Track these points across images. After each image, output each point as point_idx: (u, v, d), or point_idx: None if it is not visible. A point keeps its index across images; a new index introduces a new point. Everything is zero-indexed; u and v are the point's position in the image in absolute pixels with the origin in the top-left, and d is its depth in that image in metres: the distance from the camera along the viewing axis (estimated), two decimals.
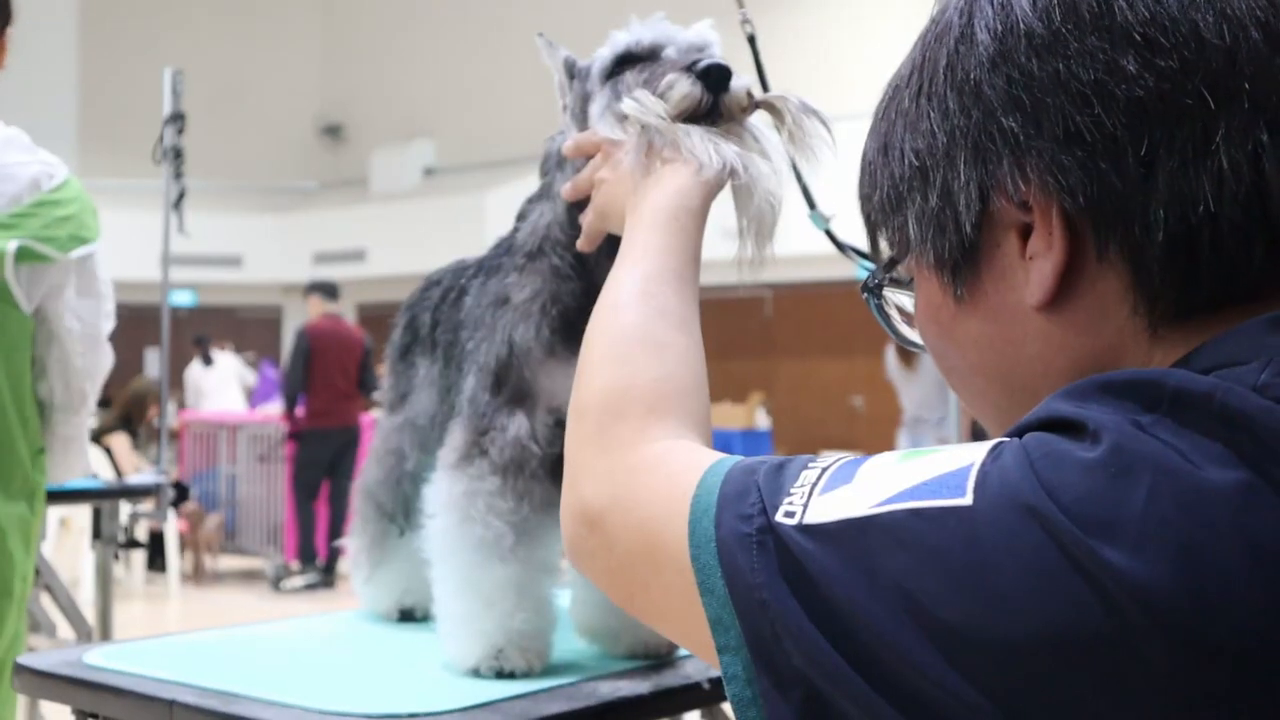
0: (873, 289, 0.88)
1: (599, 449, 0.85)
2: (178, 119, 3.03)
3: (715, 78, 1.17)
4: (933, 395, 6.33)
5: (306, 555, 8.15)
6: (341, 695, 1.27)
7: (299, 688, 1.30)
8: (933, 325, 0.83)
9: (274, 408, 8.84)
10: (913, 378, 6.38)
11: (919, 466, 0.67)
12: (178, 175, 3.04)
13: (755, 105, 1.21)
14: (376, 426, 1.70)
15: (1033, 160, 0.72)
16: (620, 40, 1.29)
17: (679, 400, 0.89)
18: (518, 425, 1.34)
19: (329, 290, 8.34)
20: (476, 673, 1.35)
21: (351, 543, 1.71)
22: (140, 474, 2.72)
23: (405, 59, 17.88)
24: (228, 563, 8.71)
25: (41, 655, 1.46)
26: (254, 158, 17.68)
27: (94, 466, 2.42)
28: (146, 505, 2.93)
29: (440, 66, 17.48)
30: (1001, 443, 0.66)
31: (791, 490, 0.69)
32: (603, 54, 1.31)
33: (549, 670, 1.38)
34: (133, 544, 3.07)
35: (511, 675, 1.35)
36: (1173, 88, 0.69)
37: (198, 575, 8.19)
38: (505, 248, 1.43)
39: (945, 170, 0.76)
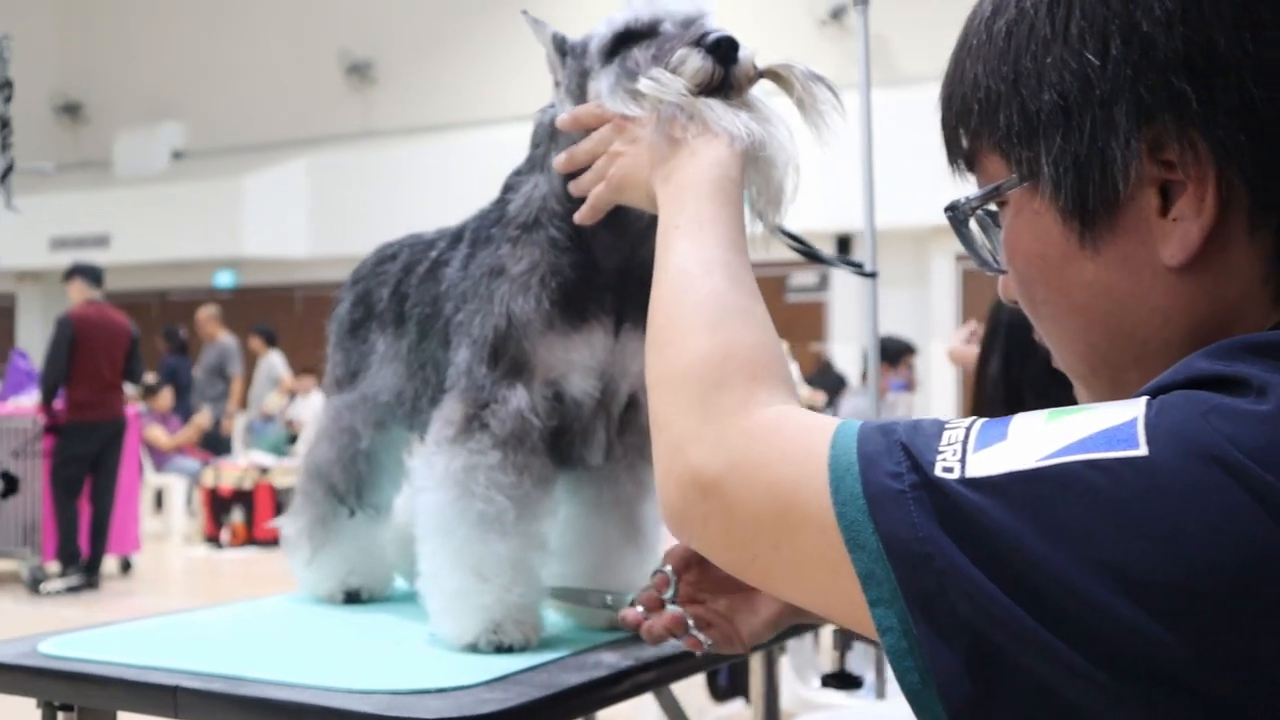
0: (962, 213, 0.88)
1: (704, 416, 0.85)
2: (5, 86, 2.85)
3: (725, 50, 1.18)
4: None
5: (68, 556, 7.69)
6: (349, 674, 1.24)
7: (299, 668, 1.26)
8: (1035, 260, 0.84)
9: (28, 400, 8.31)
10: None
11: (1076, 423, 0.70)
12: (5, 147, 2.86)
13: (759, 75, 1.22)
14: (324, 404, 1.65)
15: (1200, 127, 0.75)
16: (619, 18, 1.29)
17: (776, 367, 0.90)
18: (518, 398, 1.34)
19: (93, 275, 7.88)
20: (474, 648, 1.34)
21: (290, 525, 1.66)
22: None
23: (151, 35, 17.08)
24: None
25: None
26: None
27: None
28: None
29: (189, 44, 16.76)
30: (1153, 400, 0.70)
31: (941, 448, 0.72)
32: (600, 31, 1.31)
33: (542, 644, 1.38)
34: None
35: (510, 649, 1.34)
36: None
37: None
38: (494, 219, 1.41)
39: (1097, 116, 0.77)
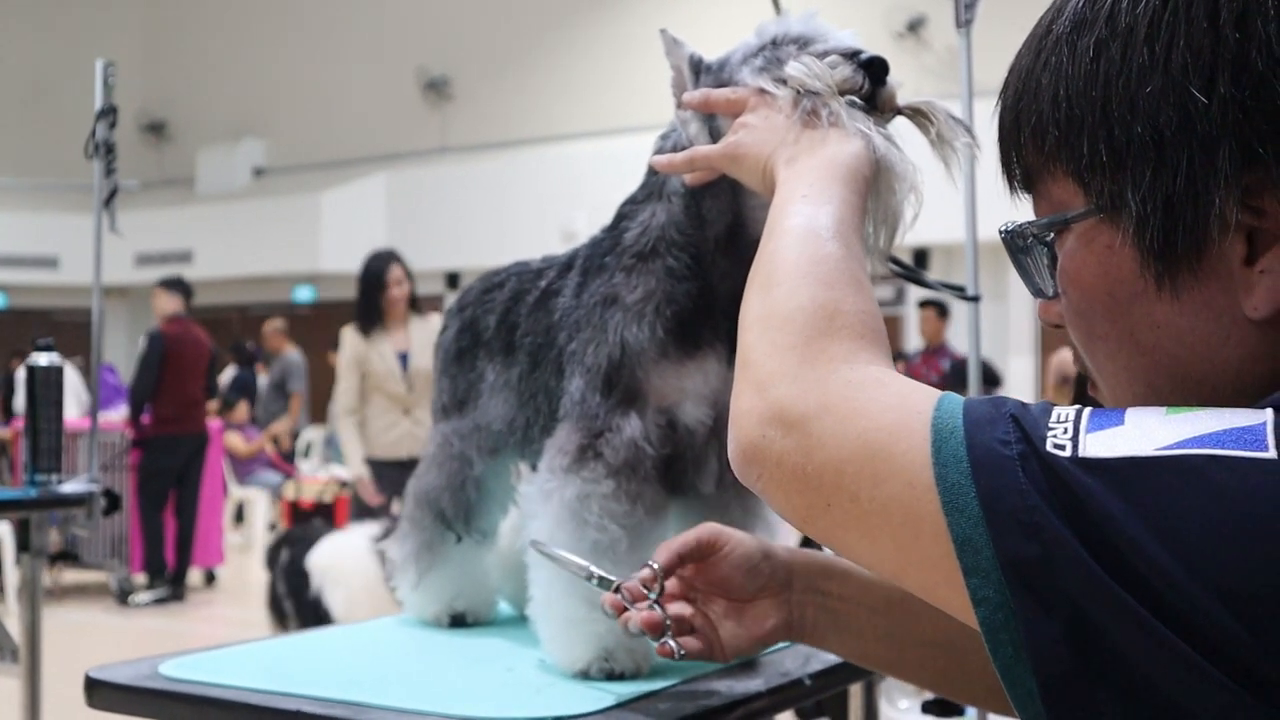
0: (1022, 238, 0.85)
1: (804, 359, 0.83)
2: (110, 113, 2.91)
3: (878, 69, 1.17)
4: None
5: (155, 568, 7.86)
6: (467, 701, 1.25)
7: (417, 694, 1.27)
8: (1101, 295, 0.80)
9: (116, 414, 8.48)
10: None
11: (1199, 418, 0.68)
12: (109, 172, 2.93)
13: (899, 111, 1.21)
14: (431, 431, 1.66)
15: None
16: (769, 29, 1.28)
17: (883, 337, 0.88)
18: (632, 426, 1.34)
19: (185, 290, 8.05)
20: (586, 675, 1.35)
21: (396, 550, 1.68)
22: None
23: (232, 55, 17.40)
24: (68, 576, 8.32)
25: (113, 668, 1.40)
26: (70, 155, 16.92)
27: None
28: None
29: (269, 64, 17.06)
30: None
31: (1052, 425, 0.69)
32: (749, 41, 1.29)
33: (652, 672, 1.38)
34: (65, 556, 2.93)
35: (621, 676, 1.35)
36: None
37: None
38: (608, 248, 1.42)
39: (1196, 156, 0.73)
